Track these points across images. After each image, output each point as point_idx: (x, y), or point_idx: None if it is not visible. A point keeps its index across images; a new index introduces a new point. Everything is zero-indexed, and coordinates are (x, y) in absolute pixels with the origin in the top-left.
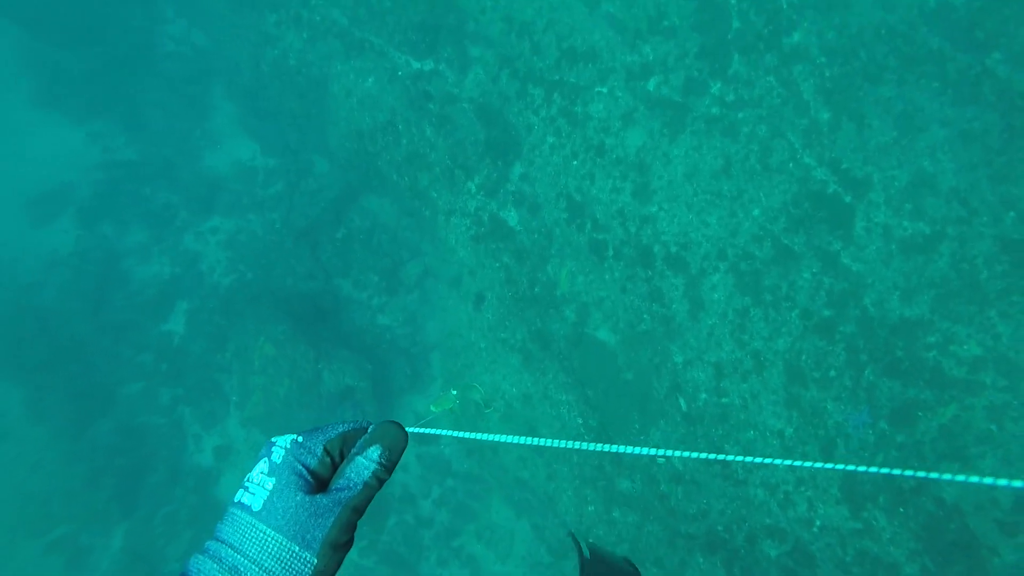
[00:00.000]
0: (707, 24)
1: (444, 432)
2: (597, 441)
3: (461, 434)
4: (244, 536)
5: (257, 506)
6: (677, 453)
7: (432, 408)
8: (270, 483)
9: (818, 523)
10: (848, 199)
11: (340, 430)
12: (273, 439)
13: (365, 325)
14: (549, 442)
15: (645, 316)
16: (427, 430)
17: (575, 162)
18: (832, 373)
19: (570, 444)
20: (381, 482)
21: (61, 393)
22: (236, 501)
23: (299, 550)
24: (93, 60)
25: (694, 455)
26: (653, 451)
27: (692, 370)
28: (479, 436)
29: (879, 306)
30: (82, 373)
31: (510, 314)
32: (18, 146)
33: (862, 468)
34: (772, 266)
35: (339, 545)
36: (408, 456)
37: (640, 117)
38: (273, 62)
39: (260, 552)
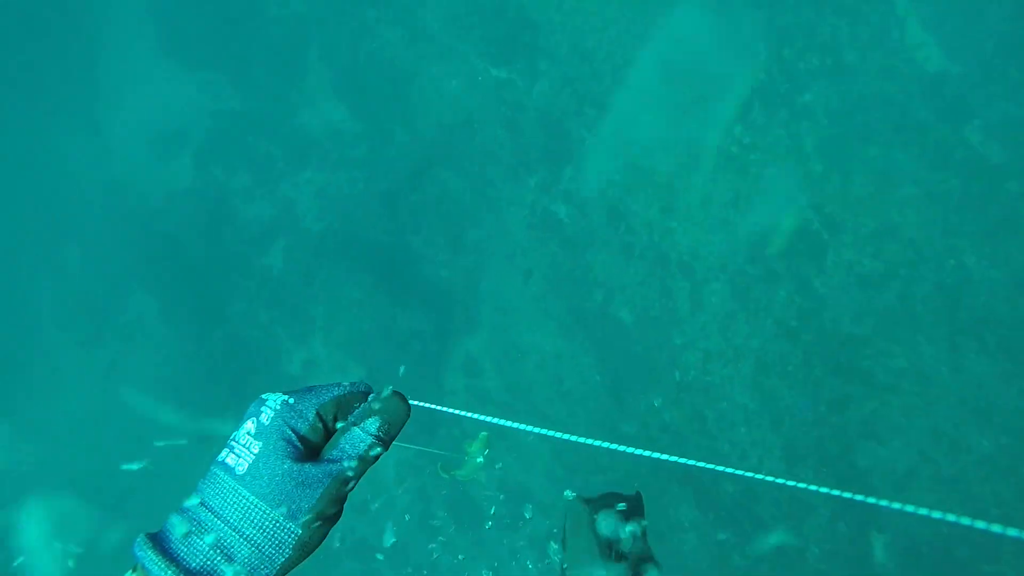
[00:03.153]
0: (738, 71)
1: (450, 411)
2: (610, 392)
3: (470, 414)
4: (226, 501)
5: (241, 470)
6: (673, 459)
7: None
8: (257, 446)
9: (764, 470)
10: (825, 236)
11: (335, 393)
12: (263, 396)
13: (430, 277)
14: (558, 434)
15: (656, 305)
16: (431, 406)
17: (615, 176)
18: (790, 368)
19: (580, 439)
20: (376, 456)
21: (186, 305)
22: (220, 461)
23: (283, 520)
24: (206, 16)
25: (690, 462)
26: (658, 455)
27: (687, 352)
28: (489, 419)
29: (834, 323)
30: (201, 291)
31: (551, 289)
32: (144, 88)
33: (836, 492)
34: (759, 282)
35: (326, 517)
36: None
37: (672, 148)
38: (370, 53)
39: (241, 519)
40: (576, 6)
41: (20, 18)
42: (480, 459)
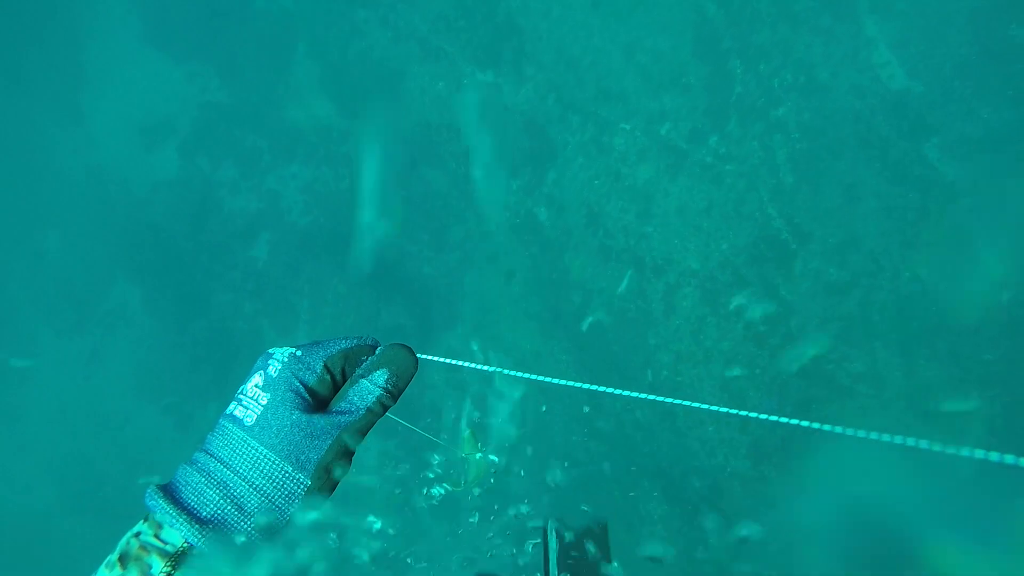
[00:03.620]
0: (716, 87)
1: (457, 363)
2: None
3: (476, 366)
4: (235, 452)
5: (250, 421)
6: (654, 398)
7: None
8: (265, 398)
9: (729, 469)
10: (794, 246)
11: (342, 346)
12: (270, 350)
13: (414, 273)
14: (571, 383)
15: (632, 307)
16: (439, 359)
17: (596, 182)
18: (757, 371)
19: (571, 383)
20: (385, 408)
21: (169, 294)
22: (228, 413)
23: (292, 471)
24: (192, 7)
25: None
26: (644, 396)
27: (660, 353)
28: (494, 369)
29: (799, 328)
30: (185, 280)
31: (532, 291)
32: (130, 77)
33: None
34: (729, 288)
35: (335, 467)
36: None
37: (651, 155)
38: (359, 52)
39: (251, 469)
40: (563, 15)
41: (3, 6)
42: (478, 455)
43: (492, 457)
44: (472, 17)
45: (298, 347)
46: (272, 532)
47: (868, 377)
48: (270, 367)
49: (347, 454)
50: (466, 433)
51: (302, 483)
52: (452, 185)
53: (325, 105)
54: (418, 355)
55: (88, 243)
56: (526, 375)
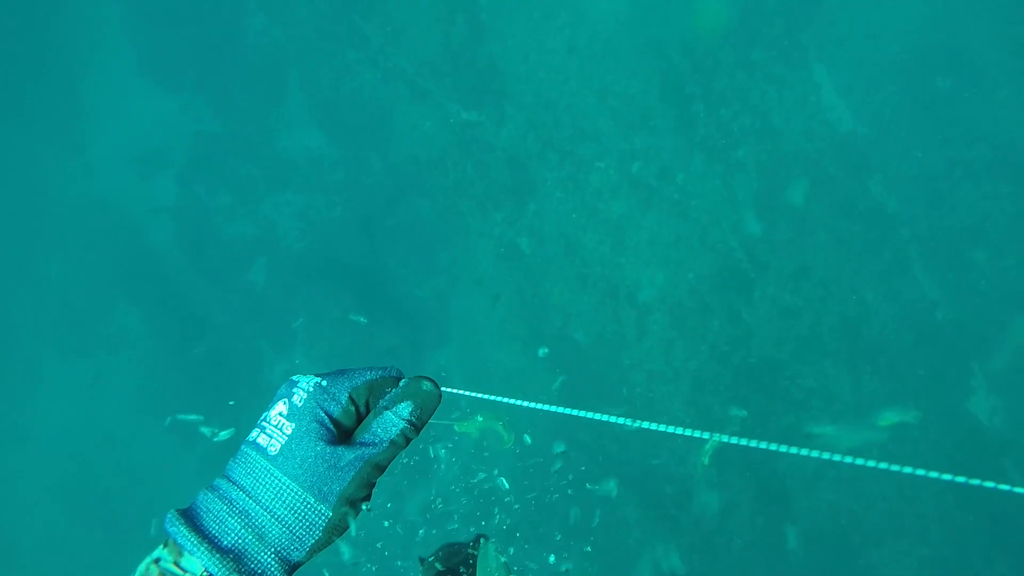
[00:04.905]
0: (682, 128)
1: (479, 395)
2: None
3: (497, 398)
4: (258, 481)
5: (274, 450)
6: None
7: (456, 427)
8: (290, 427)
9: (698, 475)
10: (753, 275)
11: (367, 377)
12: (294, 378)
13: (405, 295)
14: (587, 414)
15: (608, 330)
16: (463, 392)
17: (574, 215)
18: (722, 387)
19: (588, 414)
20: (408, 441)
21: (170, 317)
22: (251, 441)
23: (314, 502)
24: (186, 41)
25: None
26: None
27: (634, 372)
28: (512, 401)
29: (759, 348)
30: (184, 304)
31: (515, 313)
32: (126, 108)
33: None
34: (696, 313)
35: (356, 500)
36: None
37: (623, 192)
38: (350, 91)
39: (273, 500)
40: (541, 60)
41: (3, 40)
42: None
43: (479, 418)
44: (456, 61)
45: (323, 376)
46: (290, 564)
47: (819, 392)
48: (295, 396)
49: (369, 486)
50: (499, 426)
51: (324, 514)
52: (440, 215)
53: (317, 136)
54: (441, 388)
55: (89, 269)
56: (541, 406)
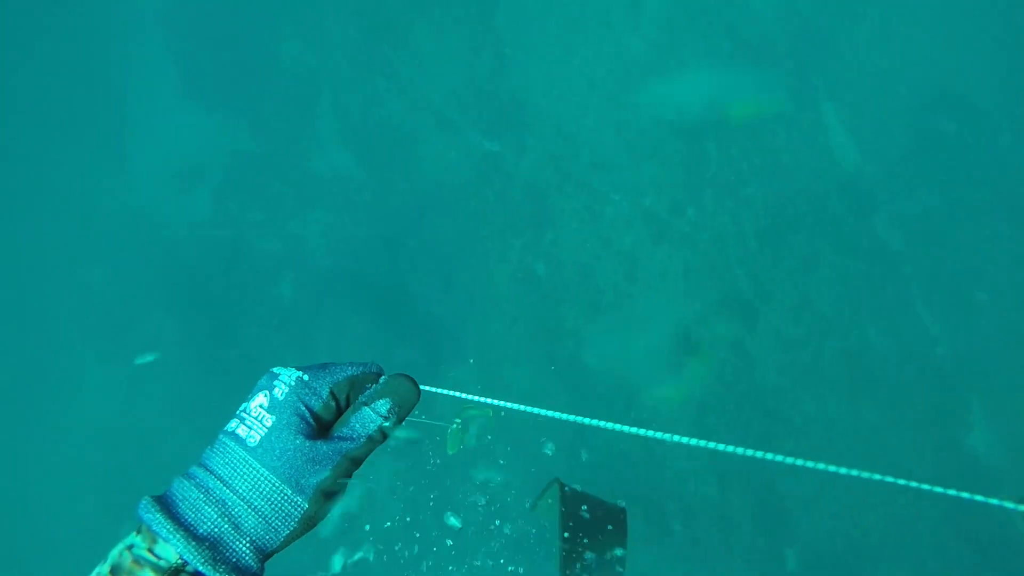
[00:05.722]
0: (694, 164)
1: (460, 395)
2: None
3: (477, 398)
4: (235, 471)
5: (253, 441)
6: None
7: (449, 452)
8: (270, 420)
9: (700, 494)
10: (757, 305)
11: (348, 373)
12: (275, 370)
13: (424, 312)
14: (571, 417)
15: (617, 355)
16: (440, 390)
17: (588, 244)
18: (726, 412)
19: (588, 420)
20: (385, 437)
21: (202, 326)
22: (230, 431)
23: (291, 493)
24: (225, 64)
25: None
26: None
27: (641, 395)
28: (499, 403)
29: (762, 377)
30: (216, 314)
31: (530, 335)
32: (167, 126)
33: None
34: (703, 341)
35: (332, 493)
36: None
37: (636, 224)
38: (379, 118)
39: (250, 490)
40: (561, 94)
41: (54, 62)
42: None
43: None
44: (481, 93)
45: (304, 370)
46: (264, 553)
47: (820, 419)
48: (276, 389)
49: (347, 477)
50: (452, 427)
51: (300, 506)
52: (460, 238)
53: (346, 158)
54: (421, 386)
55: (129, 278)
56: (522, 407)
